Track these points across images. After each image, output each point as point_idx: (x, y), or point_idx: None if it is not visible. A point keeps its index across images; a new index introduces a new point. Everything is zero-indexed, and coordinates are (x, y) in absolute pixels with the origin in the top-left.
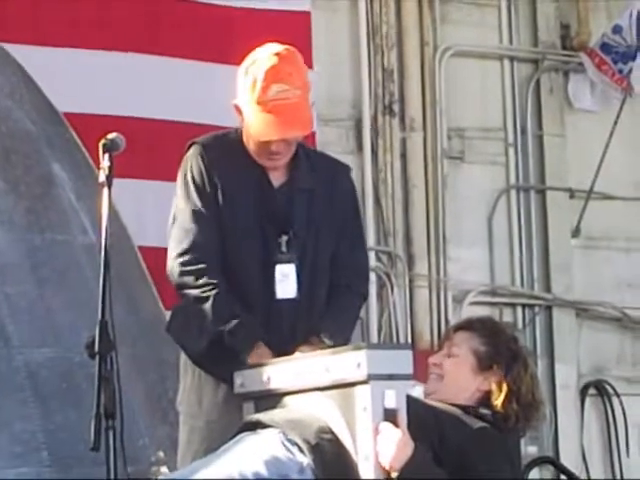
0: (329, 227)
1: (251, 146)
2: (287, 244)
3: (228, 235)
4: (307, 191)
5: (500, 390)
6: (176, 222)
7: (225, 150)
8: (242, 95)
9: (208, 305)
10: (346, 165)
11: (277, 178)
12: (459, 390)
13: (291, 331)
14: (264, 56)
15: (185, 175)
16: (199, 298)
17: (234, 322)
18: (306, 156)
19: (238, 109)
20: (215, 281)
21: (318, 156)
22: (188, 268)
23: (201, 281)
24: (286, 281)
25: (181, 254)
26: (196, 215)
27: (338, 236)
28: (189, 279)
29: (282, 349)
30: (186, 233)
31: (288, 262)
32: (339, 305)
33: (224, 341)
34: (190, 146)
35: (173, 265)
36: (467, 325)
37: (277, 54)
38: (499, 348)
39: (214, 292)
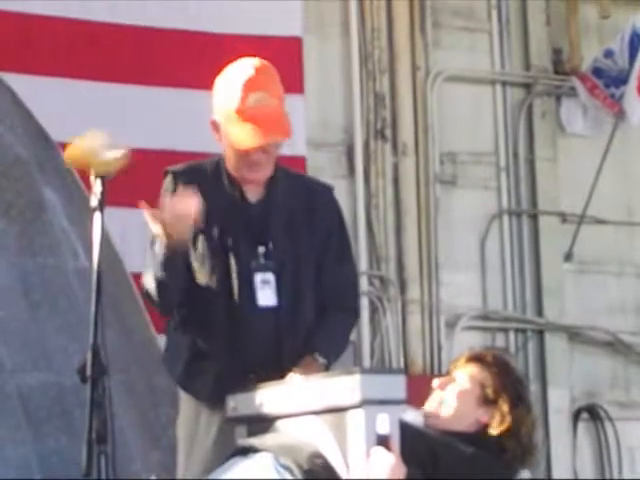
0: (311, 243)
1: (231, 160)
2: (265, 255)
3: (209, 251)
4: (286, 208)
5: (500, 425)
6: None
7: (197, 176)
8: (219, 108)
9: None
10: (328, 185)
11: (254, 195)
12: (459, 417)
13: (276, 340)
14: (239, 68)
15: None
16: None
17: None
18: (285, 177)
19: (215, 126)
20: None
21: (298, 178)
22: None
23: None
24: (266, 289)
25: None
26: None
27: (322, 253)
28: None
29: (267, 360)
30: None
31: (267, 270)
32: (330, 323)
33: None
34: (165, 175)
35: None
36: (479, 357)
37: (252, 66)
38: (506, 386)
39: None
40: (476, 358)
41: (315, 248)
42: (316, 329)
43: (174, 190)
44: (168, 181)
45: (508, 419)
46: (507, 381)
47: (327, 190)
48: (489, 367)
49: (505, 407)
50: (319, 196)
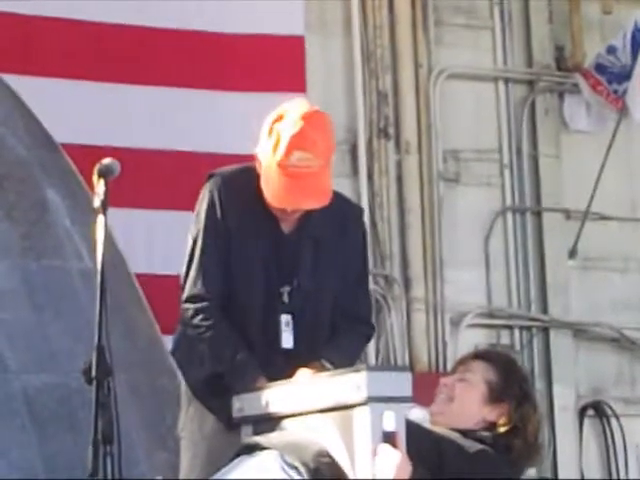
0: (334, 275)
1: (265, 198)
2: (289, 295)
3: (234, 275)
4: (315, 240)
5: (506, 424)
6: (189, 253)
7: (243, 187)
8: (264, 149)
9: (205, 346)
10: (359, 208)
11: (287, 224)
12: (465, 415)
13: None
14: (291, 117)
15: (202, 208)
16: (196, 338)
17: (230, 365)
18: None
19: (258, 160)
20: (210, 322)
21: (332, 197)
22: (187, 305)
23: (195, 321)
24: (287, 331)
25: (185, 289)
26: (206, 252)
27: (341, 282)
28: (187, 316)
29: None
30: (194, 268)
31: (288, 312)
32: (342, 341)
33: (223, 378)
34: (210, 177)
35: (181, 300)
36: (485, 355)
37: (304, 117)
38: (512, 385)
39: (208, 334)
40: (483, 356)
41: (336, 280)
42: (326, 343)
43: (219, 193)
44: (212, 186)
45: (514, 418)
46: (513, 379)
47: (358, 213)
48: (496, 365)
49: (511, 406)
50: (350, 221)
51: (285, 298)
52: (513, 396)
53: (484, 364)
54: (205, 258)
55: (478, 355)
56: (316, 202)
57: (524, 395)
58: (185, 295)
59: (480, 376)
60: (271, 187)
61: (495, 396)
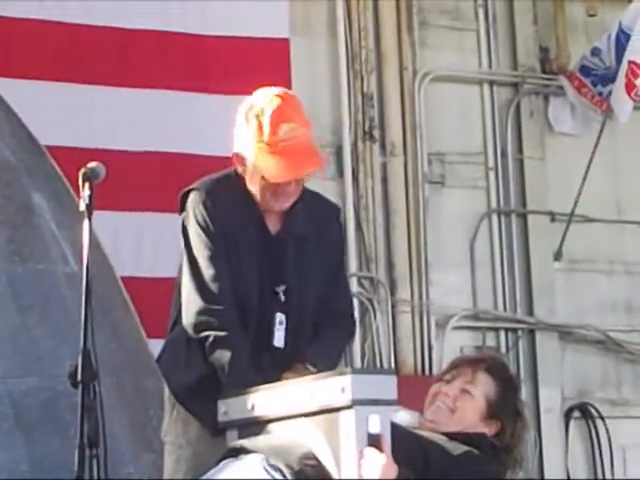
0: (316, 274)
1: (257, 191)
2: (284, 293)
3: (232, 279)
4: (299, 238)
5: (499, 441)
6: (191, 271)
7: (226, 193)
8: (245, 141)
9: (220, 350)
10: (336, 207)
11: (273, 224)
12: (462, 426)
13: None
14: (265, 99)
15: (192, 224)
16: (218, 339)
17: (242, 382)
18: (302, 203)
19: (239, 159)
20: (229, 327)
21: (310, 197)
22: (208, 308)
23: (215, 325)
24: (281, 330)
25: (199, 302)
26: (212, 263)
27: (323, 281)
28: (210, 321)
29: None
30: (205, 281)
31: (283, 311)
32: (324, 336)
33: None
34: (188, 192)
35: (194, 313)
36: (491, 367)
37: (278, 95)
38: (508, 403)
39: (227, 340)
40: (488, 368)
41: (318, 279)
42: (310, 343)
43: (205, 206)
44: (196, 200)
45: (505, 437)
46: (510, 398)
47: (336, 211)
48: (497, 381)
49: (504, 424)
50: (328, 219)
51: (281, 297)
52: (507, 415)
53: (486, 378)
54: (215, 273)
55: (484, 367)
56: (312, 167)
57: (515, 412)
58: (200, 306)
59: (481, 391)
60: (266, 168)
61: (491, 413)
